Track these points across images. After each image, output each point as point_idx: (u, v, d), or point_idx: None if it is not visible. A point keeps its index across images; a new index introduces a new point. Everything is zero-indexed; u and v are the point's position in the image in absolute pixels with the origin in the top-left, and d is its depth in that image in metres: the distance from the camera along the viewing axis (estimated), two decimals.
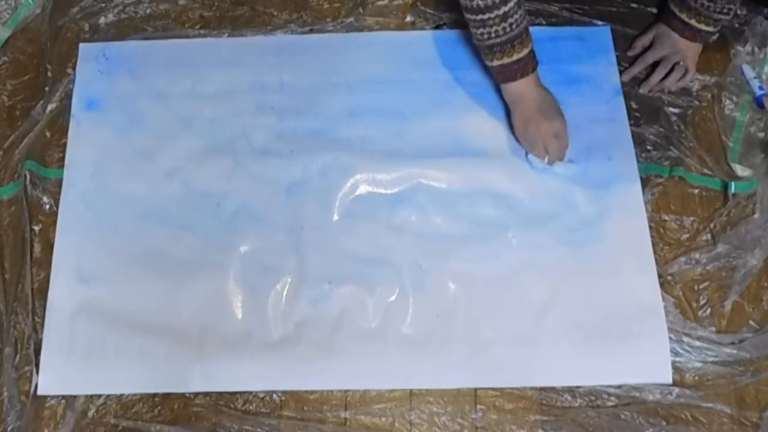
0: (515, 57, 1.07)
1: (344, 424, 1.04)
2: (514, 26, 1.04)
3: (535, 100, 1.12)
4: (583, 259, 1.11)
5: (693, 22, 1.15)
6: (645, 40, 1.24)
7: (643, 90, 1.22)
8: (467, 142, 1.18)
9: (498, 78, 1.12)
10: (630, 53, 1.26)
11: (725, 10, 1.12)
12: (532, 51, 1.09)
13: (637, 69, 1.22)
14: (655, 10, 1.28)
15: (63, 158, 1.19)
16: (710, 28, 1.15)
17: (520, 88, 1.11)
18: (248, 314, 1.09)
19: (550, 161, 1.14)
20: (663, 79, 1.21)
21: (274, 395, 1.05)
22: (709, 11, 1.12)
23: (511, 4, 1.02)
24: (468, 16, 1.04)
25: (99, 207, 1.16)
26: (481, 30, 1.05)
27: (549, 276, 1.10)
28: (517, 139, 1.16)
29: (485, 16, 1.02)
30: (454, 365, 1.06)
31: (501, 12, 1.02)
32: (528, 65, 1.09)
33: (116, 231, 1.14)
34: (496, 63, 1.08)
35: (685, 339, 1.06)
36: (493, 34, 1.04)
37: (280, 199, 1.15)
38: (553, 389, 1.05)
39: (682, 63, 1.20)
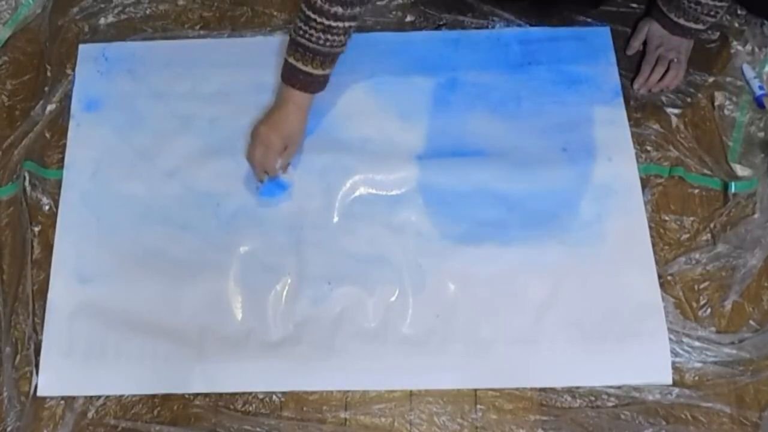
0: (319, 72, 1.07)
1: (344, 425, 1.04)
2: (341, 45, 1.06)
3: (291, 115, 1.11)
4: (582, 259, 1.11)
5: (681, 21, 1.15)
6: (640, 38, 1.24)
7: (642, 91, 1.22)
8: (467, 143, 1.18)
9: (288, 77, 1.09)
10: (629, 53, 1.26)
11: (712, 13, 1.12)
12: (327, 78, 1.10)
13: (647, 72, 1.22)
14: None
15: (62, 159, 1.19)
16: (699, 26, 1.16)
17: (294, 96, 1.10)
18: (248, 314, 1.09)
19: (256, 170, 1.13)
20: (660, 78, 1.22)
21: (274, 396, 1.05)
22: (696, 12, 1.13)
23: (354, 24, 1.03)
24: (312, 15, 1.01)
25: (99, 207, 1.16)
26: (315, 33, 1.02)
27: (549, 276, 1.10)
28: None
29: (333, 24, 1.01)
30: (454, 365, 1.06)
31: (347, 26, 1.03)
32: (316, 85, 1.10)
33: (116, 231, 1.14)
34: (301, 66, 1.06)
35: (685, 339, 1.06)
36: (323, 41, 1.03)
37: (280, 200, 1.15)
38: (553, 389, 1.05)
39: (677, 60, 1.20)
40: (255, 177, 1.15)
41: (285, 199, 1.16)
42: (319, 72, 1.07)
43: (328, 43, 1.03)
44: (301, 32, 1.03)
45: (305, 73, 1.07)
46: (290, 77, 1.08)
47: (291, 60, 1.07)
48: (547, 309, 1.08)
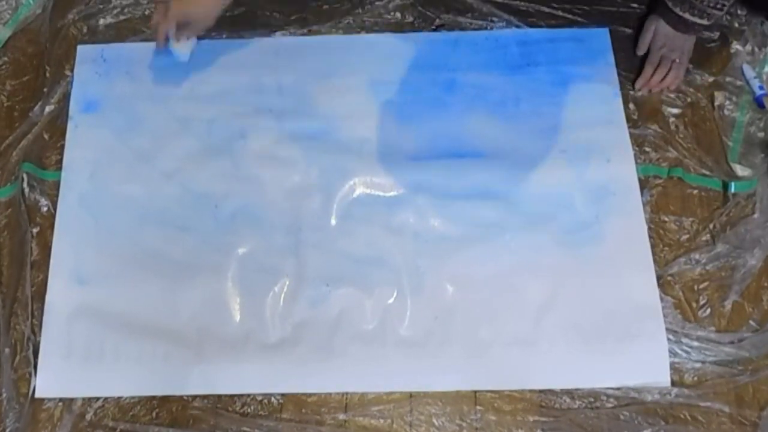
0: None
1: (343, 426, 1.03)
2: None
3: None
4: (581, 260, 1.11)
5: (687, 15, 1.15)
6: (648, 36, 1.24)
7: (644, 91, 1.22)
8: (466, 144, 1.18)
9: None
10: (639, 53, 1.25)
11: (719, 6, 1.11)
12: None
13: (650, 72, 1.22)
14: None
15: (61, 160, 1.19)
16: (704, 21, 1.15)
17: None
18: (246, 316, 1.09)
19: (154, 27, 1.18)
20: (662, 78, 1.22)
21: (273, 397, 1.05)
22: (702, 5, 1.12)
23: None
24: None
25: (97, 209, 1.16)
26: None
27: (547, 277, 1.10)
28: None
29: None
30: (453, 367, 1.06)
31: None
32: None
33: (114, 233, 1.14)
34: None
35: (684, 339, 1.06)
36: None
37: (278, 201, 1.15)
38: (551, 390, 1.05)
39: (679, 61, 1.20)
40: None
41: (182, 73, 1.24)
42: None
43: None
44: None
45: None
46: None
47: None
48: (545, 310, 1.08)
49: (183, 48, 1.20)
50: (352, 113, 1.21)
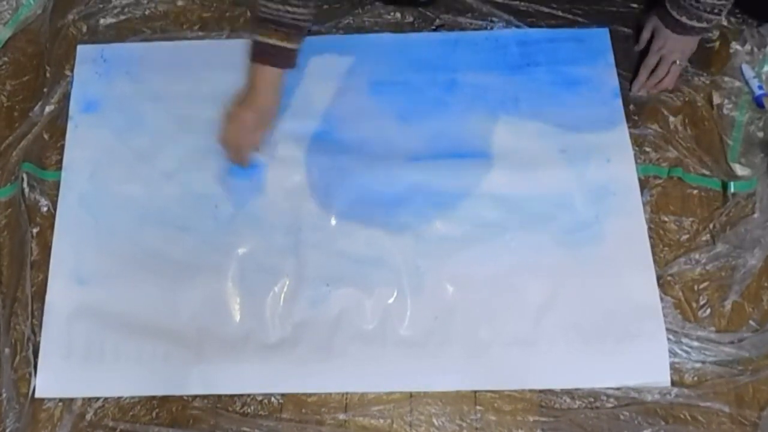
0: (285, 44, 1.06)
1: (343, 426, 1.04)
2: (304, 18, 1.04)
3: (263, 92, 1.09)
4: (581, 260, 1.11)
5: (684, 19, 1.14)
6: (646, 34, 1.23)
7: (641, 92, 1.22)
8: (466, 144, 1.18)
9: (255, 54, 1.07)
10: (637, 49, 1.25)
11: (716, 11, 1.09)
12: (294, 54, 1.08)
13: (644, 77, 1.22)
14: None
15: (61, 160, 1.19)
16: (702, 24, 1.14)
17: (263, 73, 1.08)
18: (246, 316, 1.09)
19: (230, 151, 1.12)
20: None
21: (273, 397, 1.05)
22: (698, 11, 1.11)
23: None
24: None
25: (97, 209, 1.16)
26: (274, 5, 1.02)
27: (547, 277, 1.10)
28: None
29: None
30: (453, 367, 1.06)
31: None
32: (284, 59, 1.07)
33: (114, 233, 1.14)
34: (266, 40, 1.05)
35: (684, 339, 1.06)
36: (283, 12, 1.02)
37: (278, 201, 1.15)
38: (551, 390, 1.05)
39: (679, 62, 1.20)
40: (228, 159, 1.14)
41: (258, 176, 1.17)
42: (284, 44, 1.06)
43: (289, 15, 1.03)
44: (263, 9, 1.03)
45: (271, 46, 1.06)
46: (258, 53, 1.07)
47: (256, 36, 1.06)
48: (545, 310, 1.08)
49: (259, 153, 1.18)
50: (351, 113, 1.21)
